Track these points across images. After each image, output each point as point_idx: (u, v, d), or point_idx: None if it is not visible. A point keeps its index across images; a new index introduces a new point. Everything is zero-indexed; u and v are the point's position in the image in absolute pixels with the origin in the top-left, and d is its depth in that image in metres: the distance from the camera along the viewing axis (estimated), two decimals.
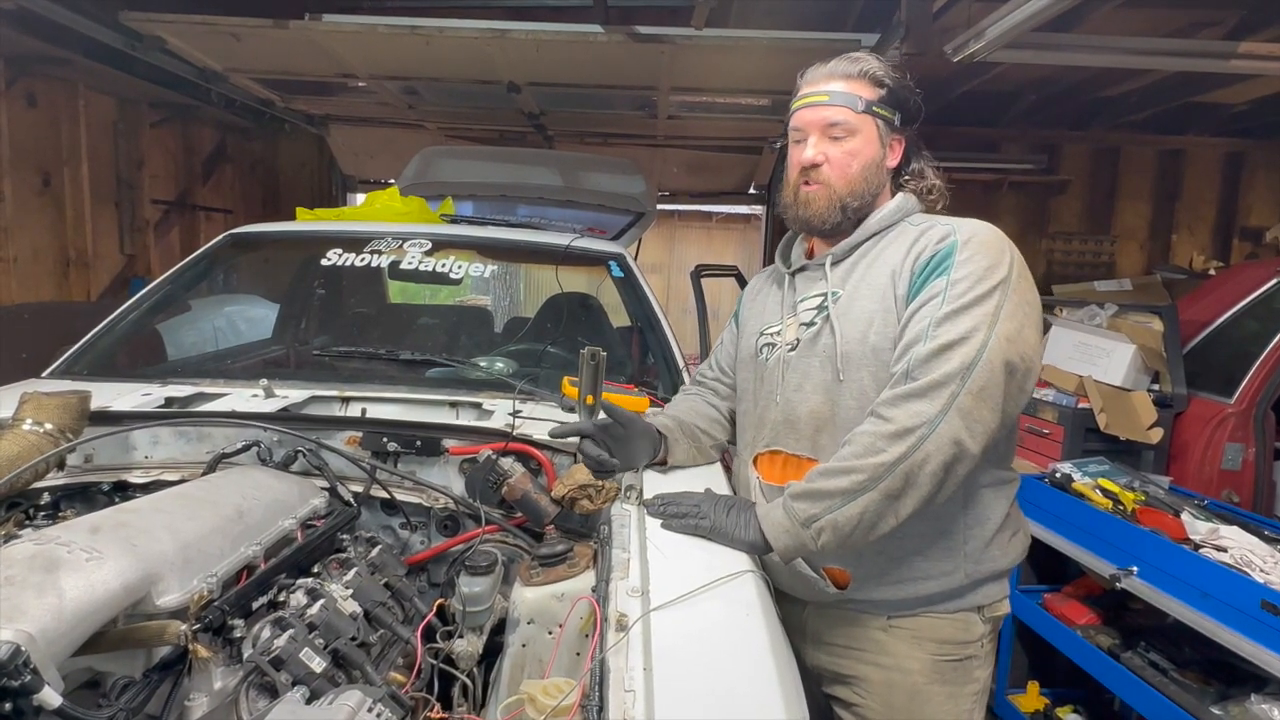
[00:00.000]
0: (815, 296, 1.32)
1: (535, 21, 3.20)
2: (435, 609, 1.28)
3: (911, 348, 1.13)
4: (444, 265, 2.29)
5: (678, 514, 1.21)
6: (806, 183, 1.30)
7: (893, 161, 1.33)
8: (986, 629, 1.30)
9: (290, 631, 1.02)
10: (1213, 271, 5.01)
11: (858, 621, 1.30)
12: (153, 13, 3.22)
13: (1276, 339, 2.84)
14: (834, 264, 1.32)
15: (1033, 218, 5.97)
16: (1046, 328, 3.41)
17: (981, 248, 1.17)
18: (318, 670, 1.00)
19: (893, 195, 1.34)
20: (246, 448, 1.50)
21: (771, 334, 1.39)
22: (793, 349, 1.32)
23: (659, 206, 4.58)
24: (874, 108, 1.28)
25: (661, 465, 1.46)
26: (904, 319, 1.18)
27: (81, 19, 3.23)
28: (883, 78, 1.29)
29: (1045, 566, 2.54)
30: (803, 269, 1.39)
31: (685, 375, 2.05)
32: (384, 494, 1.48)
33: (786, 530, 1.14)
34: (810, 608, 1.36)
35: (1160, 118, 4.96)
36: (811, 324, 1.30)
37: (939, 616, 1.27)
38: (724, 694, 0.86)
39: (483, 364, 2.10)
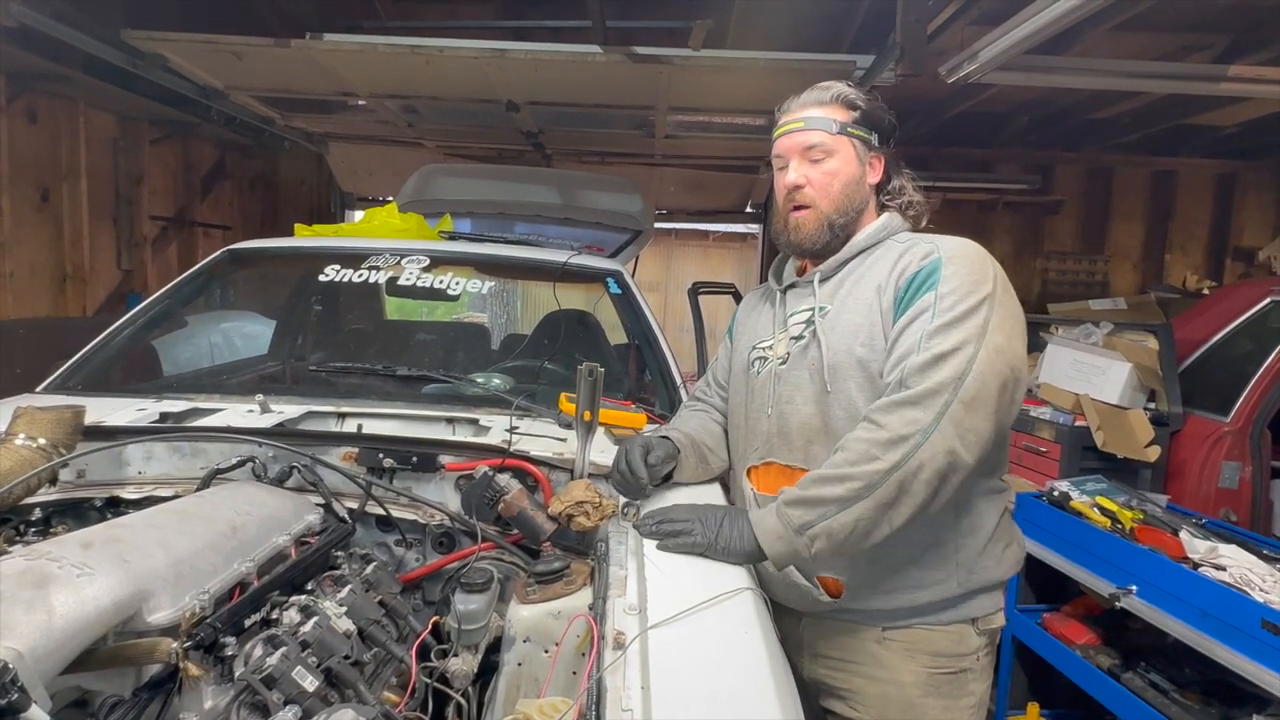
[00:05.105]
0: (804, 311, 1.36)
1: (534, 42, 3.23)
2: (430, 627, 1.26)
3: (905, 359, 1.15)
4: (441, 281, 2.29)
5: (671, 532, 1.21)
6: (796, 208, 1.35)
7: (874, 179, 1.38)
8: (981, 642, 1.31)
9: (283, 649, 1.01)
10: (1206, 291, 5.04)
11: (853, 633, 1.31)
12: (154, 31, 3.24)
13: (1271, 357, 2.85)
14: (822, 280, 1.36)
15: (1027, 237, 6.02)
16: (1041, 345, 3.43)
17: (965, 263, 1.21)
18: (310, 689, 0.98)
19: (878, 214, 1.39)
20: (241, 463, 1.49)
21: (763, 348, 1.42)
22: (783, 362, 1.35)
23: (656, 225, 4.61)
24: (849, 129, 1.34)
25: (665, 481, 1.45)
26: (894, 332, 1.21)
27: (83, 36, 3.25)
28: (855, 100, 1.35)
29: (1044, 586, 2.52)
30: (793, 286, 1.42)
31: (683, 392, 2.05)
32: (379, 510, 1.47)
33: (780, 537, 1.14)
34: (806, 619, 1.36)
35: (1152, 139, 5.02)
36: (800, 338, 1.34)
37: (932, 628, 1.27)
38: (722, 713, 0.85)
39: (480, 380, 2.09)
